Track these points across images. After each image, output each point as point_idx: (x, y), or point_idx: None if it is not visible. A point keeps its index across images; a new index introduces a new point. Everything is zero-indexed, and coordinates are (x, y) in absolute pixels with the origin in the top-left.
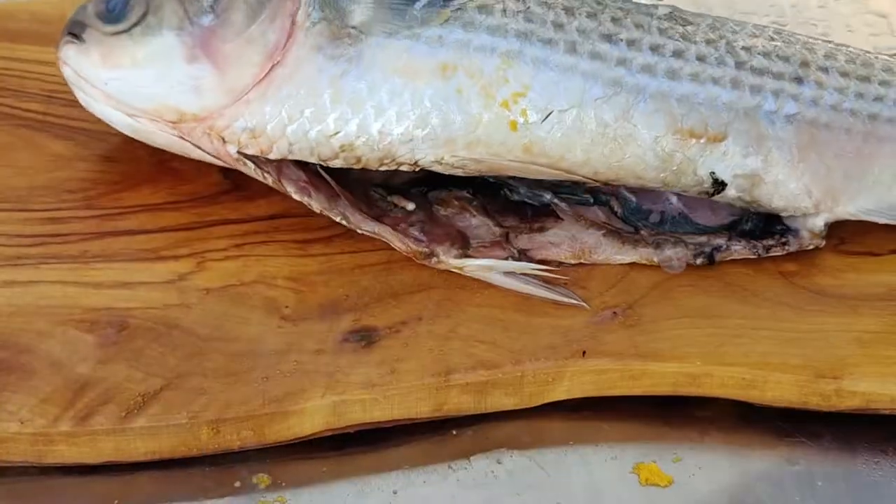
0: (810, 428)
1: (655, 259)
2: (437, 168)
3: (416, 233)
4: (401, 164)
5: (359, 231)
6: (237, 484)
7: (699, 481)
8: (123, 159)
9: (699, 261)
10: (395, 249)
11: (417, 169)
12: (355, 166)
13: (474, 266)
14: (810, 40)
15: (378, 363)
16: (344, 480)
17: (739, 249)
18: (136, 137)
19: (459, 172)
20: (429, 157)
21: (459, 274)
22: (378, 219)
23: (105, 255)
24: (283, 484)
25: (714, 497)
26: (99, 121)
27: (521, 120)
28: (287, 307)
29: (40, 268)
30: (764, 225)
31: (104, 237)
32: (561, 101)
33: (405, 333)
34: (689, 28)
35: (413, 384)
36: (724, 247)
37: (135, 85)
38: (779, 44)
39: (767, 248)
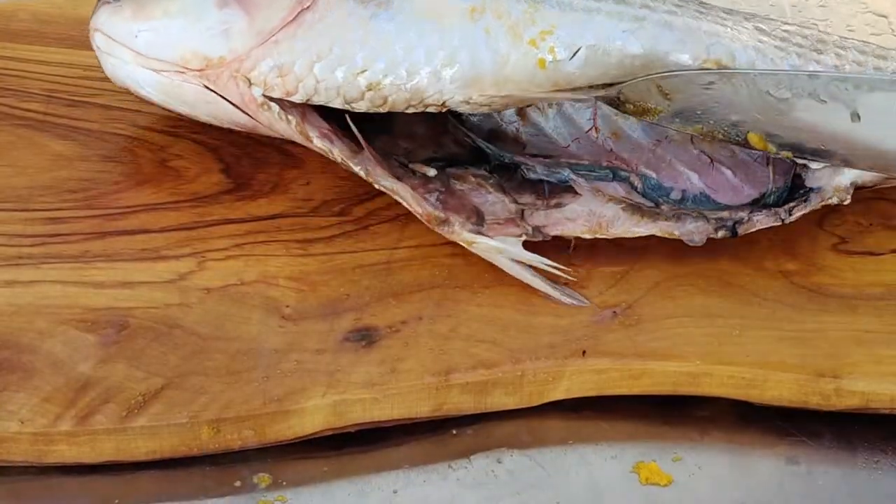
0: (810, 427)
1: (676, 232)
2: (464, 108)
3: (433, 200)
4: (428, 105)
5: (376, 186)
6: (238, 483)
7: (699, 481)
8: (124, 159)
9: (721, 233)
10: (395, 249)
11: (445, 109)
12: (381, 109)
13: (485, 245)
14: (821, 33)
15: (378, 362)
16: (344, 480)
17: (762, 219)
18: (163, 99)
19: (485, 110)
20: (457, 97)
21: (460, 273)
22: (399, 179)
23: (106, 254)
24: (284, 483)
25: (714, 497)
26: (100, 121)
27: (550, 57)
28: (288, 307)
29: (41, 267)
30: (787, 196)
31: (105, 237)
32: (588, 37)
33: (405, 333)
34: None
35: (413, 384)
36: (746, 219)
37: (165, 34)
38: (794, 27)
39: (790, 211)
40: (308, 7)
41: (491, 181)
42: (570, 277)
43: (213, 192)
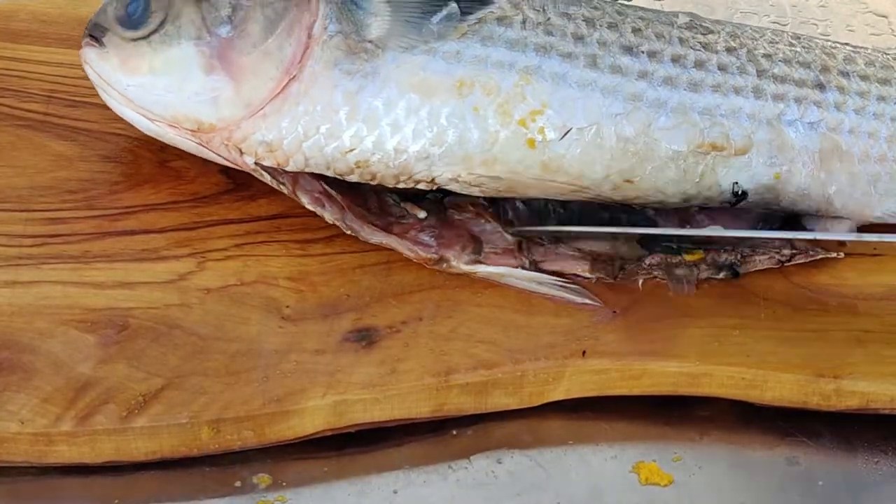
0: (810, 427)
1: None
2: (454, 186)
3: (427, 238)
4: (418, 181)
5: (369, 243)
6: (238, 484)
7: (699, 481)
8: (124, 159)
9: (722, 274)
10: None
11: (435, 187)
12: (371, 182)
13: (485, 272)
14: (828, 44)
15: (378, 363)
16: (344, 480)
17: (763, 259)
18: (159, 139)
19: (476, 191)
20: (445, 174)
21: (461, 275)
22: (389, 226)
23: (106, 255)
24: (284, 484)
25: (714, 497)
26: (100, 121)
27: (539, 138)
28: (288, 307)
29: (41, 268)
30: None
31: (105, 237)
32: (579, 118)
33: (405, 333)
34: (709, 37)
35: (413, 384)
36: (742, 264)
37: (153, 93)
38: (798, 49)
39: (790, 258)
40: (295, 77)
41: (490, 210)
42: (571, 286)
43: (213, 192)
